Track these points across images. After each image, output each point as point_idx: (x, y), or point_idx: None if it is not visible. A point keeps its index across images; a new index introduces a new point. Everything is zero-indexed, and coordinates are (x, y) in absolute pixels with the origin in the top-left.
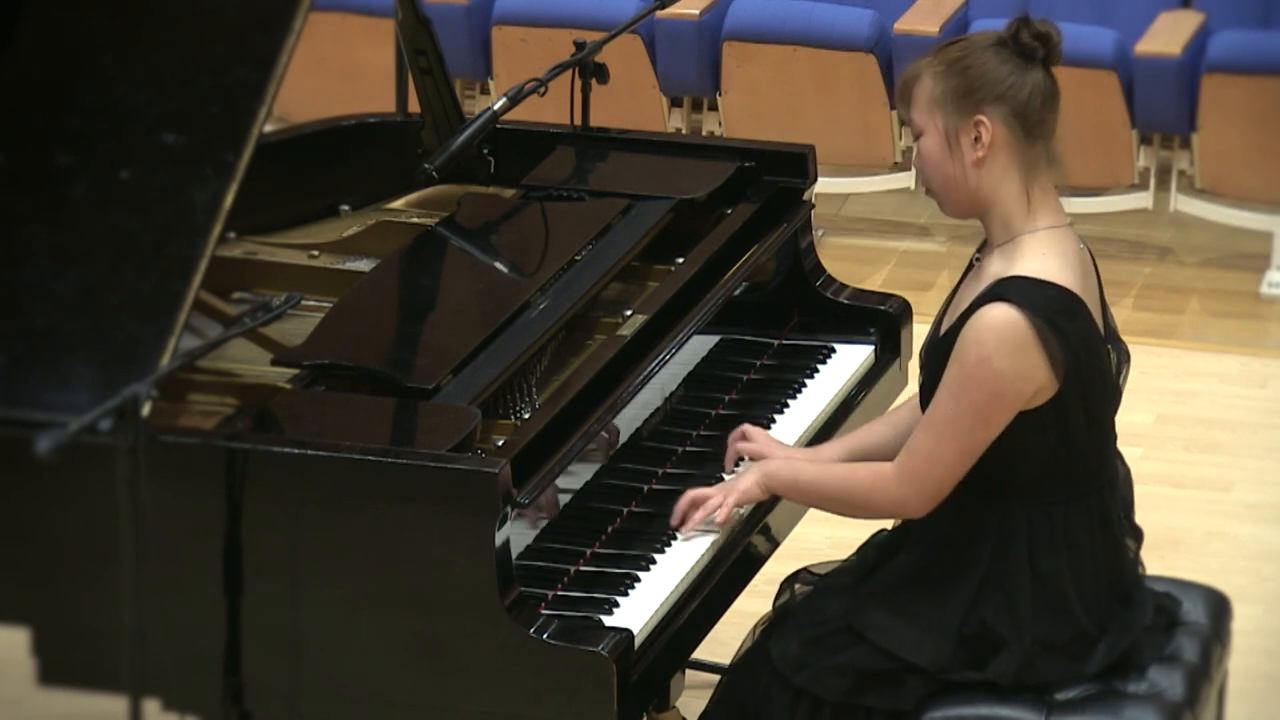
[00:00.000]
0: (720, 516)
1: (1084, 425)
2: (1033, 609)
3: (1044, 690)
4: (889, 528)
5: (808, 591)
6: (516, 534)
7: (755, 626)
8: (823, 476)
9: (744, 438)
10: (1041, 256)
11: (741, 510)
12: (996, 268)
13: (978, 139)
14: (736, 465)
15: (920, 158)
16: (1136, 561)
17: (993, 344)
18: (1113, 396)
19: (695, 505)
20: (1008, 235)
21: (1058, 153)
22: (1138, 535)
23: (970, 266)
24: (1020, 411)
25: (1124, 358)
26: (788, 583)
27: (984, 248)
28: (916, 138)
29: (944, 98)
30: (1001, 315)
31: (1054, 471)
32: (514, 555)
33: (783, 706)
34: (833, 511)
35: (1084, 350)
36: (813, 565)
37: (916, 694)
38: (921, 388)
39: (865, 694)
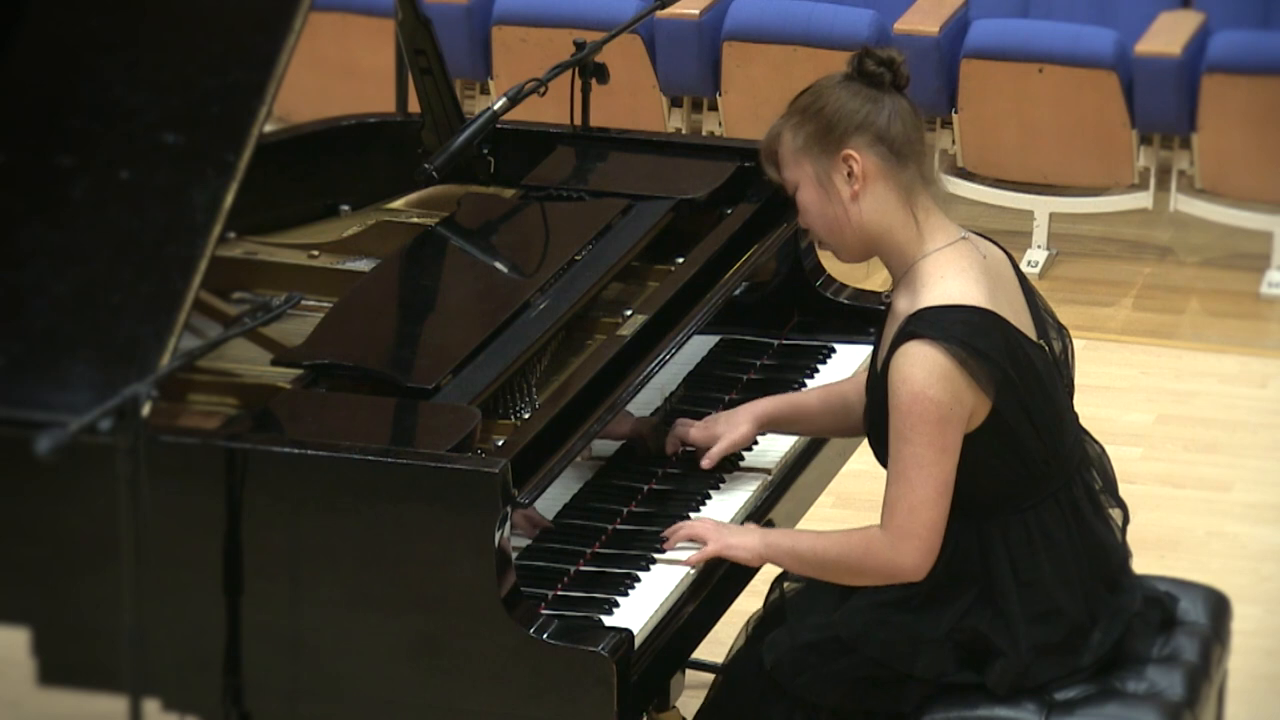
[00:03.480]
0: (692, 559)
1: (1030, 431)
2: (1023, 616)
3: (1043, 690)
4: None
5: (798, 589)
6: (516, 534)
7: (747, 623)
8: (817, 544)
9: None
10: (941, 280)
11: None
12: (904, 304)
13: (850, 173)
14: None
15: (802, 212)
16: (1122, 545)
17: (920, 378)
18: (1054, 391)
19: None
20: (905, 265)
21: (931, 172)
22: (1123, 509)
23: (887, 310)
24: (965, 435)
25: (1066, 340)
26: (778, 581)
27: (893, 290)
28: (792, 194)
29: (807, 144)
30: (918, 352)
31: (1015, 481)
32: (514, 555)
33: (780, 711)
34: (833, 580)
35: (1009, 361)
36: None
37: (915, 696)
38: (867, 421)
39: (863, 699)
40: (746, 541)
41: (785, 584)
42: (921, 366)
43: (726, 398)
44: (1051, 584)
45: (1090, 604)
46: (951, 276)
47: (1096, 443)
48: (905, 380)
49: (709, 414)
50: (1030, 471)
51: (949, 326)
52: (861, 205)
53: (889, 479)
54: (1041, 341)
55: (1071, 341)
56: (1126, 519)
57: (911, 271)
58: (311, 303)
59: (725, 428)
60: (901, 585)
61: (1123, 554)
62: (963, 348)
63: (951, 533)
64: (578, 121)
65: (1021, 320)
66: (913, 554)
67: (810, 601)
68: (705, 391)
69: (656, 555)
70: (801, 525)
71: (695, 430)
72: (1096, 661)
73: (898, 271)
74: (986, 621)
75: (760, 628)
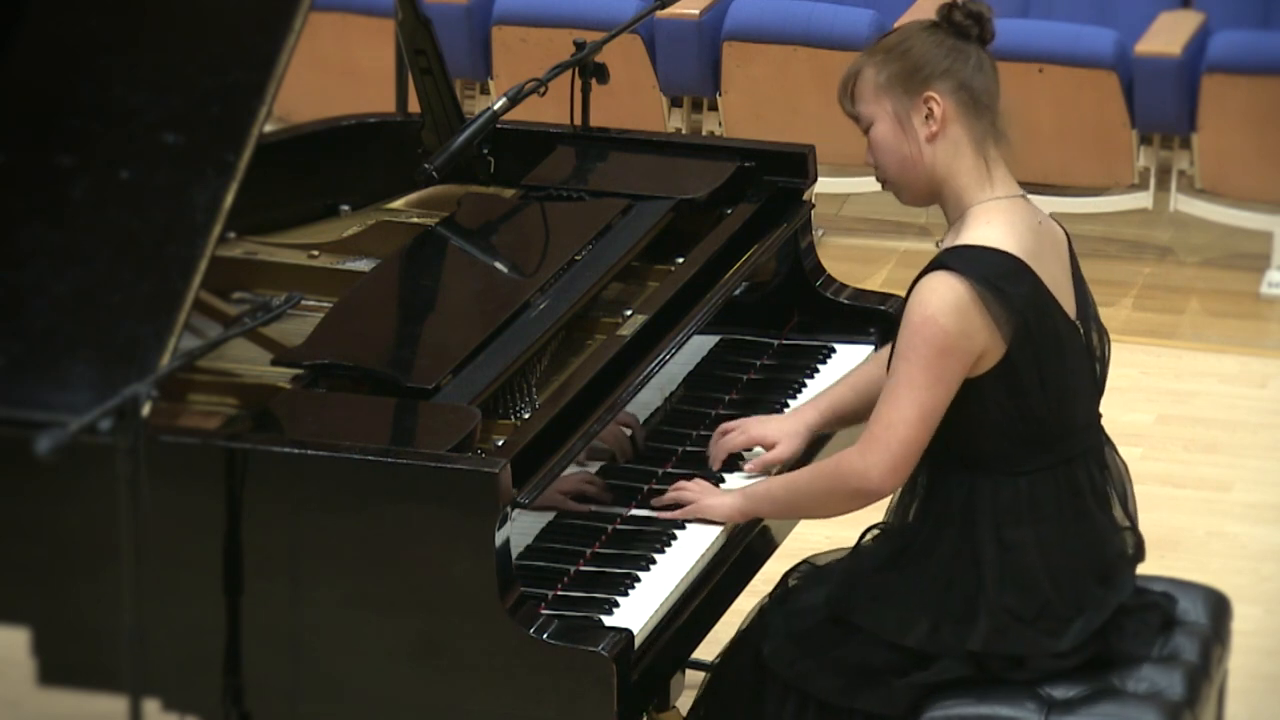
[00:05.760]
0: (666, 515)
1: (1038, 387)
2: (999, 579)
3: (1022, 664)
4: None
5: (798, 585)
6: (517, 533)
7: (751, 612)
8: (792, 476)
9: (726, 434)
10: (986, 225)
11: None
12: (946, 243)
13: (929, 115)
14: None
15: (874, 147)
16: (1124, 544)
17: (935, 305)
18: (1075, 367)
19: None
20: (959, 210)
21: (1004, 128)
22: (1138, 541)
23: None
24: (971, 379)
25: (1105, 342)
26: (787, 577)
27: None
28: (866, 130)
29: (890, 82)
30: (940, 282)
31: (1014, 438)
32: (514, 555)
33: (773, 701)
34: (811, 512)
35: (1032, 312)
36: (814, 556)
37: (907, 698)
38: (890, 361)
39: (857, 695)
40: (725, 500)
41: (790, 579)
42: (939, 294)
43: (726, 398)
44: (1033, 557)
45: (1076, 592)
46: (996, 224)
47: (1122, 461)
48: (921, 304)
49: (709, 414)
50: (1031, 433)
51: (978, 264)
52: (935, 147)
53: (880, 394)
54: (1079, 323)
55: (1110, 346)
56: (1140, 548)
57: (963, 217)
58: (311, 303)
59: (781, 441)
60: (889, 547)
61: (1121, 551)
62: (986, 286)
63: (942, 486)
64: (578, 121)
65: (1062, 294)
66: (880, 465)
67: (806, 593)
68: (705, 391)
69: (673, 540)
70: (802, 524)
71: (739, 437)
72: (1076, 649)
73: (952, 217)
74: (971, 582)
75: (760, 617)
